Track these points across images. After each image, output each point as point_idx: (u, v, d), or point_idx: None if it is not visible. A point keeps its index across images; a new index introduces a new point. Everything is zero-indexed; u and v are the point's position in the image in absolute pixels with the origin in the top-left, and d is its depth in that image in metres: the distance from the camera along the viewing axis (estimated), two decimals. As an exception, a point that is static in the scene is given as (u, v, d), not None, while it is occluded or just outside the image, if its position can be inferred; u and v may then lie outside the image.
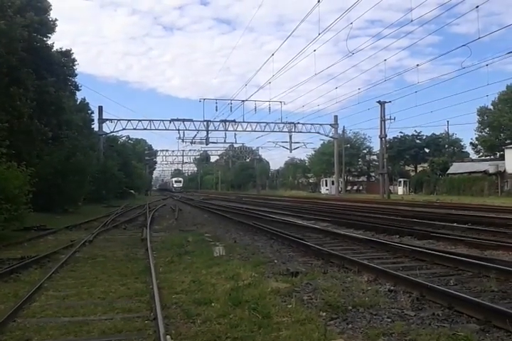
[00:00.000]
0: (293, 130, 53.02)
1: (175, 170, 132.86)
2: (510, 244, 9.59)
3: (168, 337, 4.17)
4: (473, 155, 64.37)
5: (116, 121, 46.00)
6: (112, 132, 47.10)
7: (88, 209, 26.96)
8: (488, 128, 58.76)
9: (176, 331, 4.51)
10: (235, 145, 79.17)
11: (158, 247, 10.60)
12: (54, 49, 28.84)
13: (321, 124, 53.51)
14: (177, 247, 10.38)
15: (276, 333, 4.30)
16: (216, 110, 46.38)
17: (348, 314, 4.89)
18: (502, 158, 49.05)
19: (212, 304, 5.34)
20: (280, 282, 6.33)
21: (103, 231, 14.40)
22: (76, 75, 32.91)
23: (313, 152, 78.03)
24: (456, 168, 52.49)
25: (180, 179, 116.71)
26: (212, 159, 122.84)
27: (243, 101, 44.16)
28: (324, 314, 4.86)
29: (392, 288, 5.95)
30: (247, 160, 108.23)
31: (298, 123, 52.30)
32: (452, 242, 10.50)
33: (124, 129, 46.88)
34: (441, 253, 8.10)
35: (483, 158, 59.27)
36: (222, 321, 4.73)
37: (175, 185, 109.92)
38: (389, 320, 4.69)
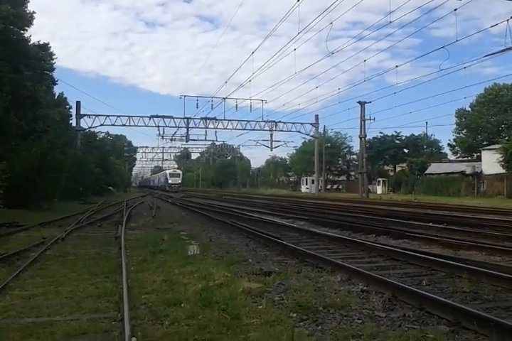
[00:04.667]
0: (274, 128, 53.07)
1: (155, 166, 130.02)
2: (483, 244, 9.69)
3: (134, 338, 4.05)
4: (450, 156, 65.53)
5: (94, 116, 45.34)
6: (89, 128, 46.40)
7: (64, 205, 26.50)
8: (465, 130, 59.78)
9: (143, 332, 4.38)
10: (216, 143, 78.64)
11: (133, 245, 10.41)
12: (31, 42, 28.27)
13: (302, 123, 53.69)
14: (151, 245, 10.22)
15: (245, 335, 4.21)
16: (197, 107, 46.11)
17: (318, 315, 4.82)
18: (479, 159, 49.92)
19: (182, 305, 5.22)
20: (252, 282, 6.24)
21: (77, 229, 14.12)
22: (54, 69, 32.29)
23: (294, 150, 78.34)
24: (434, 168, 53.18)
25: (178, 172, 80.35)
26: (193, 156, 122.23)
27: (224, 98, 44.04)
28: (294, 315, 4.78)
29: (364, 288, 5.92)
30: (228, 158, 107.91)
31: (279, 121, 52.37)
32: (427, 242, 10.57)
33: (102, 125, 46.24)
34: (415, 253, 8.13)
35: (460, 159, 60.27)
36: (190, 322, 4.63)
37: (170, 181, 73.69)
38: (359, 321, 4.64)
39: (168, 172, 79.04)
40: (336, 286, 5.98)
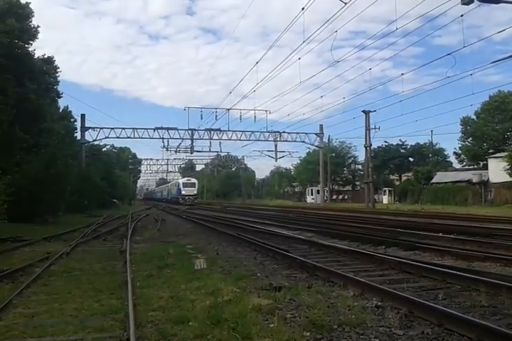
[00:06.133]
0: (278, 139, 53.00)
1: (160, 179, 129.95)
2: (497, 255, 9.45)
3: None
4: (456, 165, 65.15)
5: (99, 129, 45.43)
6: (94, 140, 46.50)
7: (69, 219, 26.36)
8: (471, 138, 59.46)
9: (150, 354, 4.20)
10: (221, 154, 78.35)
11: (138, 260, 10.22)
12: (36, 56, 28.46)
13: (306, 133, 53.66)
14: (157, 260, 10.03)
15: (257, 356, 4.01)
16: (201, 118, 46.16)
17: (333, 334, 4.60)
18: (485, 167, 49.54)
19: (190, 323, 5.01)
20: (262, 298, 6.03)
21: (82, 243, 13.94)
22: (58, 83, 32.45)
23: (298, 161, 78.14)
24: (440, 177, 52.84)
25: (193, 180, 68.11)
26: (198, 168, 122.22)
27: (228, 109, 44.04)
28: (308, 334, 4.56)
29: (379, 303, 5.70)
30: (233, 169, 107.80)
31: (283, 132, 52.40)
32: (439, 253, 10.32)
33: (107, 138, 46.35)
34: (428, 266, 7.90)
35: (466, 167, 59.89)
36: (199, 342, 4.43)
37: (184, 192, 63.20)
38: (377, 340, 4.42)
39: (181, 181, 68.01)
40: (349, 302, 5.75)
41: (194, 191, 65.14)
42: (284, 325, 4.88)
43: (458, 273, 7.09)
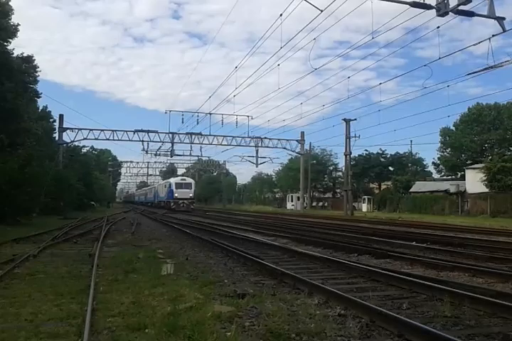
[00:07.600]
0: (260, 144, 53.01)
1: (140, 182, 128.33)
2: (466, 264, 9.50)
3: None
4: (435, 175, 66.01)
5: (77, 130, 44.79)
6: (72, 141, 45.81)
7: (42, 221, 25.86)
8: (449, 149, 60.31)
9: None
10: (203, 159, 77.81)
11: (106, 264, 10.00)
12: (15, 55, 27.99)
13: (287, 140, 53.78)
14: (125, 264, 9.81)
15: (209, 365, 3.90)
16: (182, 122, 45.88)
17: (290, 343, 4.52)
18: (463, 178, 50.20)
19: (147, 330, 4.88)
20: (224, 305, 5.91)
21: (51, 245, 13.62)
22: (37, 82, 31.95)
23: (280, 167, 78.28)
24: (419, 186, 53.40)
25: (189, 180, 55.88)
26: (179, 172, 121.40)
27: (210, 113, 43.90)
28: (264, 343, 4.48)
29: (342, 312, 5.63)
30: (214, 173, 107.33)
31: (265, 138, 52.40)
32: (410, 262, 10.36)
33: (85, 139, 45.63)
34: (396, 274, 7.89)
35: (444, 177, 60.68)
36: (153, 350, 4.30)
37: (177, 194, 51.40)
38: (333, 350, 4.35)
39: (173, 181, 54.61)
40: (311, 310, 5.67)
41: (190, 193, 52.50)
42: (241, 333, 4.77)
43: (424, 282, 7.09)
